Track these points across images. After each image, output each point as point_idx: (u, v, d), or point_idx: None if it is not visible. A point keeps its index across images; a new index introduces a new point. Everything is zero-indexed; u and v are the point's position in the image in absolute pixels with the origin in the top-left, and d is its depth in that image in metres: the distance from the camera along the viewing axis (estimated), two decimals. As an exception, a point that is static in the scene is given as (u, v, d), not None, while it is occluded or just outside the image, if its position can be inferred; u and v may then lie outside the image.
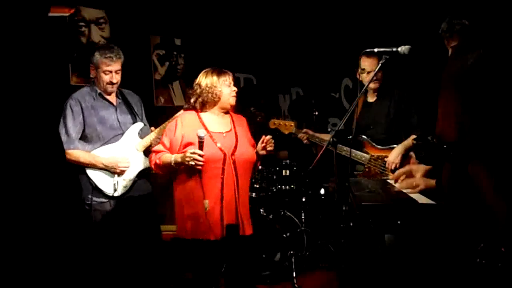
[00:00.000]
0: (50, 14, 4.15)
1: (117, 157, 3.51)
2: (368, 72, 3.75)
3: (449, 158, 1.99)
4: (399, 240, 2.35)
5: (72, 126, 3.46)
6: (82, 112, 3.49)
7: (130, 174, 3.57)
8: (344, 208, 3.31)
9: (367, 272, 3.55)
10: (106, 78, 3.48)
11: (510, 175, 1.79)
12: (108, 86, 3.52)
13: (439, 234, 2.12)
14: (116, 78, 3.51)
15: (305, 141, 4.03)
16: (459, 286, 1.95)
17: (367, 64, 3.75)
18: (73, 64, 4.47)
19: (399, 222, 2.16)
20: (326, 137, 3.93)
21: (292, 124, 4.08)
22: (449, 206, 1.99)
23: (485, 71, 1.95)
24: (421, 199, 2.27)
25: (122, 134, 3.60)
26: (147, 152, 3.63)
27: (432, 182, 2.36)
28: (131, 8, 4.88)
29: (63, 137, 3.45)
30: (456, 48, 2.22)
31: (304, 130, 4.06)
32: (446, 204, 2.04)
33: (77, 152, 3.46)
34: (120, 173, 3.51)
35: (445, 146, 1.91)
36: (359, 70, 3.80)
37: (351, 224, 3.25)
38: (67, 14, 4.37)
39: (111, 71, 3.47)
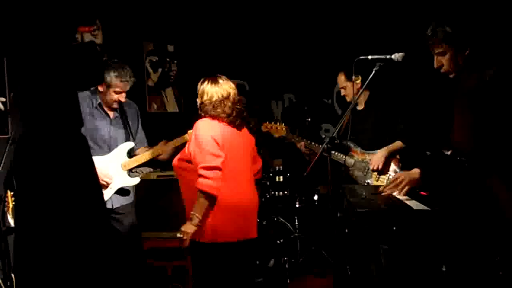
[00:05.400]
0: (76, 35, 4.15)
1: (101, 170, 3.48)
2: (341, 87, 4.00)
3: (465, 169, 2.01)
4: (395, 246, 2.35)
5: None
6: None
7: (108, 191, 3.59)
8: (338, 214, 3.31)
9: (362, 278, 3.55)
10: (115, 97, 3.53)
11: None
12: (114, 103, 3.57)
13: (435, 240, 2.13)
14: (124, 98, 3.57)
15: (303, 150, 4.03)
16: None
17: (338, 81, 4.01)
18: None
19: (394, 228, 2.17)
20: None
21: (284, 128, 4.10)
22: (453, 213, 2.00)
23: (502, 86, 1.99)
24: (416, 205, 2.28)
25: (110, 148, 3.62)
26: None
27: (415, 174, 2.38)
28: (124, 15, 4.87)
29: None
30: (470, 64, 2.29)
31: (299, 138, 4.09)
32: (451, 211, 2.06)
33: None
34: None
35: (458, 158, 1.93)
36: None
37: (346, 230, 3.25)
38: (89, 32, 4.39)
39: (122, 92, 3.53)
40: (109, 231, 3.49)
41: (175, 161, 3.14)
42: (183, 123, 4.37)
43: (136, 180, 3.69)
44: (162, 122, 4.03)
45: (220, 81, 3.08)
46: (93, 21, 4.13)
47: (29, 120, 2.62)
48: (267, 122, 4.16)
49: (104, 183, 3.52)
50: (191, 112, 3.82)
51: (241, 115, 3.05)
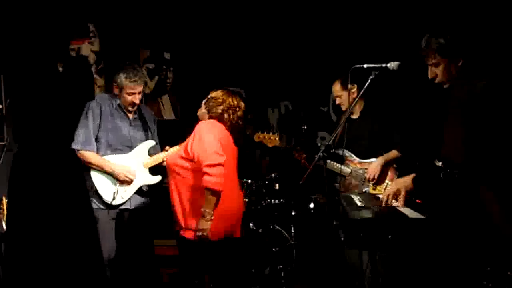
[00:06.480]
0: (72, 47, 4.22)
1: (125, 166, 3.57)
2: (336, 96, 3.99)
3: (455, 180, 2.03)
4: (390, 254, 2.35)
5: (92, 127, 3.55)
6: (100, 116, 3.59)
7: (131, 188, 3.62)
8: (334, 222, 3.32)
9: (358, 285, 3.55)
10: (129, 99, 3.61)
11: None
12: (129, 106, 3.65)
13: (429, 248, 2.14)
14: (138, 99, 3.65)
15: (303, 161, 4.03)
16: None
17: (334, 90, 4.00)
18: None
19: (390, 236, 2.17)
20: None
21: (277, 138, 4.10)
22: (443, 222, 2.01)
23: (493, 98, 2.01)
24: (411, 213, 2.29)
25: (130, 147, 3.67)
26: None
27: (408, 180, 2.40)
28: (121, 22, 4.88)
29: (81, 137, 3.53)
30: (464, 74, 2.32)
31: (297, 149, 4.10)
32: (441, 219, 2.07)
33: (90, 154, 3.53)
34: (123, 182, 3.56)
35: (448, 170, 1.95)
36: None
37: (342, 238, 3.26)
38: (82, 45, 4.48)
39: (134, 93, 3.60)
40: (97, 241, 3.54)
41: (173, 159, 3.21)
42: (180, 130, 4.38)
43: (157, 178, 3.72)
44: (158, 130, 4.02)
45: (237, 95, 3.29)
46: (87, 33, 4.18)
47: (22, 136, 2.68)
48: (259, 132, 4.15)
49: (128, 179, 3.57)
50: (187, 119, 3.84)
51: (239, 128, 3.25)
